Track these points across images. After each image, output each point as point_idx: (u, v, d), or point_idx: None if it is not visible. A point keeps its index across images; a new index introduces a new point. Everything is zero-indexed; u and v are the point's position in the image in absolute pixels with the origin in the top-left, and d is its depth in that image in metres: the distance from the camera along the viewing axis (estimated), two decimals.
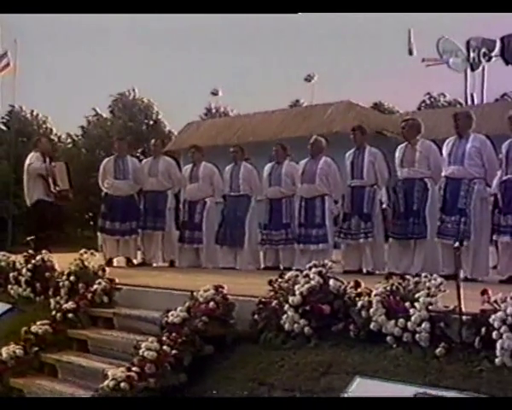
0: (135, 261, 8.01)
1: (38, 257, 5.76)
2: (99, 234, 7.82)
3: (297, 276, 4.07)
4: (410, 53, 15.19)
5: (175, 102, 39.55)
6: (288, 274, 4.15)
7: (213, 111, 33.34)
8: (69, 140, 24.46)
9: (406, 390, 3.06)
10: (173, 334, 3.96)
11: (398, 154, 6.56)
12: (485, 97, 14.60)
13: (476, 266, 5.90)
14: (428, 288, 3.61)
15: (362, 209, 6.66)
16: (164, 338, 3.93)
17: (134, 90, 25.72)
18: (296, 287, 3.96)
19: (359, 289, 3.87)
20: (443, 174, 6.07)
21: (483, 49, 14.10)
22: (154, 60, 42.80)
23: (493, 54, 14.15)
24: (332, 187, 6.98)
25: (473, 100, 14.99)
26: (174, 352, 3.83)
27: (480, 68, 14.45)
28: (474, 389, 2.98)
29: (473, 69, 14.46)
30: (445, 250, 6.03)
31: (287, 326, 3.89)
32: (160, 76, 42.52)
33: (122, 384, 3.62)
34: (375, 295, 3.63)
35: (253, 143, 13.37)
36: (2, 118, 24.13)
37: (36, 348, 4.50)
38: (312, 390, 3.31)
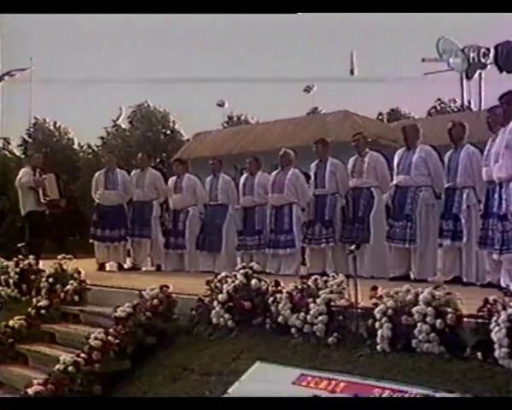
0: (125, 266, 8.68)
1: (26, 261, 6.46)
2: (91, 240, 8.52)
3: (227, 276, 4.65)
4: (352, 73, 15.53)
5: (196, 111, 40.44)
6: (221, 275, 4.74)
7: (235, 119, 34.13)
8: (90, 150, 25.41)
9: (292, 372, 3.60)
10: (119, 326, 4.60)
11: (350, 165, 7.12)
12: (482, 104, 14.88)
13: (423, 268, 6.36)
14: (331, 286, 4.16)
15: (324, 216, 7.18)
16: (111, 330, 4.56)
17: (147, 101, 26.62)
18: (224, 286, 4.55)
19: (279, 288, 4.44)
20: (393, 183, 6.58)
21: (478, 57, 14.37)
22: (174, 68, 43.86)
23: (488, 61, 14.43)
24: (299, 196, 7.52)
25: (469, 106, 15.28)
26: (117, 342, 4.46)
27: (477, 75, 14.74)
28: (348, 371, 3.51)
29: (468, 77, 14.74)
30: (395, 253, 6.54)
31: (214, 320, 4.49)
32: (181, 85, 43.54)
33: (70, 368, 4.26)
34: (284, 293, 4.19)
35: (254, 152, 13.89)
36: (28, 130, 25.24)
37: (11, 340, 5.19)
38: (222, 373, 3.88)
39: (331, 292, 4.10)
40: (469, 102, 15.33)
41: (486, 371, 3.22)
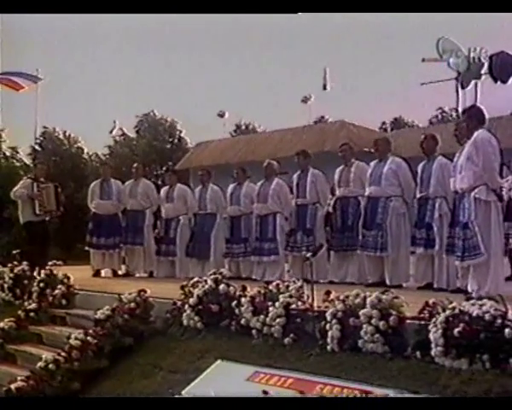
0: (120, 272, 9.04)
1: (19, 267, 6.83)
2: (86, 248, 8.89)
3: (198, 281, 4.98)
4: (324, 88, 15.74)
5: (203, 120, 40.92)
6: (193, 280, 5.07)
7: (243, 127, 34.57)
8: (97, 159, 25.92)
9: (248, 370, 3.90)
10: (98, 328, 4.93)
11: (336, 175, 7.40)
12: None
13: (396, 274, 6.64)
14: (291, 290, 4.47)
15: (305, 225, 7.48)
16: (90, 331, 4.90)
17: (153, 110, 27.14)
18: (195, 290, 4.88)
19: (245, 292, 4.76)
20: (365, 194, 6.87)
21: (478, 57, 14.51)
22: (182, 77, 44.36)
23: (482, 72, 14.64)
24: (283, 206, 7.83)
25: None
26: (96, 342, 4.79)
27: (472, 85, 14.93)
28: (298, 369, 3.81)
29: (463, 87, 14.96)
30: (369, 261, 6.82)
31: (185, 322, 4.81)
32: (189, 94, 44.08)
33: (50, 365, 4.60)
34: (247, 297, 4.51)
35: (253, 161, 14.23)
36: (37, 139, 25.78)
37: (1, 341, 5.54)
38: (187, 371, 4.20)
39: (290, 296, 4.40)
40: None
41: (421, 368, 3.51)
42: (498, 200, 5.34)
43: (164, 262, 8.80)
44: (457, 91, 14.81)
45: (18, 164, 22.11)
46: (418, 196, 6.56)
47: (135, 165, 9.30)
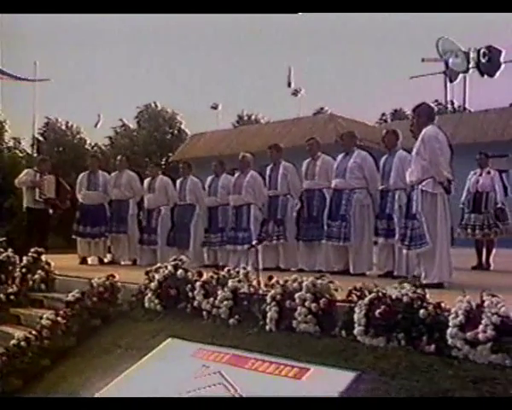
0: (105, 260, 9.46)
1: (4, 254, 7.24)
2: (73, 236, 9.31)
3: (159, 267, 5.37)
4: (289, 85, 16.00)
5: (204, 111, 41.29)
6: (156, 266, 5.46)
7: (245, 118, 34.91)
8: (98, 150, 26.41)
9: (194, 347, 4.29)
10: (68, 309, 5.34)
11: (303, 167, 7.76)
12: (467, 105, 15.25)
13: (359, 263, 7.01)
14: (240, 276, 4.85)
15: (276, 215, 7.86)
16: (60, 312, 5.31)
17: (155, 101, 27.53)
18: (156, 275, 5.27)
19: (200, 278, 5.14)
20: (331, 186, 7.23)
21: (477, 57, 14.72)
22: (182, 68, 44.78)
23: (470, 66, 14.84)
24: (257, 197, 8.19)
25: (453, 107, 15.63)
26: (65, 322, 5.20)
27: (460, 79, 15.17)
28: (236, 346, 4.18)
29: (451, 81, 15.17)
30: (334, 251, 7.19)
31: (146, 304, 5.20)
32: (190, 85, 44.41)
33: (22, 343, 5.01)
34: (200, 282, 4.89)
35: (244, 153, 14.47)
36: (39, 129, 26.29)
37: None
38: (141, 348, 4.60)
39: (239, 281, 4.77)
40: (452, 102, 15.73)
41: (343, 345, 3.86)
42: (445, 192, 5.67)
43: (146, 251, 9.20)
44: (446, 85, 15.07)
45: (21, 154, 22.60)
46: (380, 188, 6.92)
47: (118, 157, 9.69)
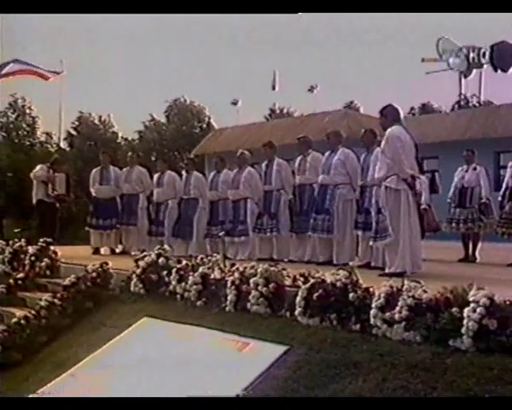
0: (117, 251, 10.17)
1: (18, 243, 8.01)
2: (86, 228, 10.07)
3: (145, 256, 6.00)
4: (273, 88, 16.19)
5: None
6: (142, 254, 6.10)
7: (277, 111, 35.43)
8: (127, 144, 27.36)
9: (163, 325, 4.91)
10: (64, 292, 6.03)
11: (296, 164, 8.26)
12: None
13: (342, 254, 7.48)
14: (209, 262, 5.43)
15: (270, 209, 8.38)
16: (58, 295, 6.00)
17: (183, 96, 28.27)
18: (140, 262, 5.90)
19: (180, 265, 5.74)
20: (318, 182, 7.71)
21: (474, 56, 14.86)
22: (209, 62, 45.65)
23: (484, 61, 14.92)
24: (253, 192, 8.72)
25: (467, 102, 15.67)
26: (61, 304, 5.88)
27: (474, 74, 15.26)
28: (200, 324, 4.77)
29: (465, 76, 15.27)
30: (319, 242, 7.67)
31: (132, 288, 5.84)
32: (220, 79, 45.13)
33: (22, 321, 5.72)
34: (175, 268, 5.50)
35: (259, 148, 14.94)
36: (73, 123, 27.34)
37: None
38: (120, 326, 5.23)
39: (208, 268, 5.35)
40: (466, 98, 15.76)
41: (283, 324, 4.41)
42: (409, 188, 6.10)
43: (154, 241, 9.80)
44: (460, 80, 15.19)
45: (52, 149, 23.66)
46: (359, 183, 7.37)
47: (129, 153, 10.38)
